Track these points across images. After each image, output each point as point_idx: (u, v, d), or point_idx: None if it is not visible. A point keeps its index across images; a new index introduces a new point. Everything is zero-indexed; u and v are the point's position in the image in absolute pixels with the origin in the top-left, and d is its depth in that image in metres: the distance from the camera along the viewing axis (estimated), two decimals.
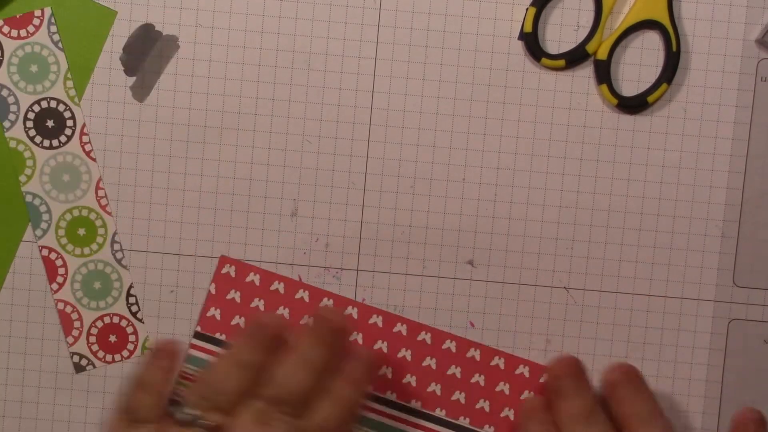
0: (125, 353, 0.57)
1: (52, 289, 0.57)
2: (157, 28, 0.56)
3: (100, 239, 0.57)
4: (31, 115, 0.56)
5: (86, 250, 0.57)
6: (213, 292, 0.57)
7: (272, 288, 0.57)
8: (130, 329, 0.57)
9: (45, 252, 0.57)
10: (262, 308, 0.57)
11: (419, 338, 0.56)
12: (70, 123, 0.56)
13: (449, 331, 0.57)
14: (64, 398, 0.57)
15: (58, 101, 0.56)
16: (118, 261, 0.57)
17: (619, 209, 0.57)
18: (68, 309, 0.57)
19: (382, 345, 0.57)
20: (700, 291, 0.57)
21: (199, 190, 0.57)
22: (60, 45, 0.56)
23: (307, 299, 0.57)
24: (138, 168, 0.56)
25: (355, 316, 0.57)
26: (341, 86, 0.56)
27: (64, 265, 0.57)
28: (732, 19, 0.56)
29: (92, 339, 0.57)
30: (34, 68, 0.56)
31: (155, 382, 0.54)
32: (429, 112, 0.56)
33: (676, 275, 0.57)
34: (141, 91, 0.56)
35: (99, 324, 0.57)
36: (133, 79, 0.56)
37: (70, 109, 0.56)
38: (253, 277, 0.57)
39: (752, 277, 0.57)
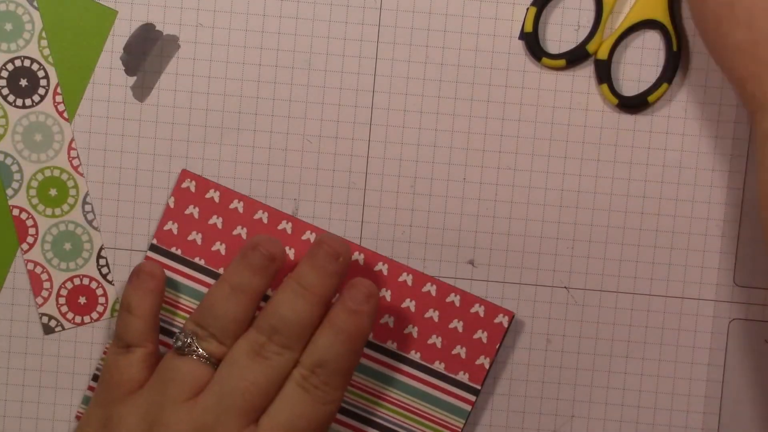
0: (95, 315, 0.57)
1: (22, 249, 0.56)
2: (157, 28, 0.56)
3: (71, 200, 0.56)
4: (4, 74, 0.56)
5: (57, 211, 0.56)
6: (171, 205, 0.56)
7: (231, 206, 0.56)
8: (99, 291, 0.57)
9: (16, 212, 0.56)
10: (219, 226, 0.56)
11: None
12: (43, 83, 0.56)
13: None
14: (65, 398, 0.57)
15: (32, 60, 0.56)
16: (89, 222, 0.56)
17: (620, 209, 0.57)
18: (38, 270, 0.57)
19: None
20: (701, 290, 0.57)
21: None
22: (35, 4, 0.55)
23: (265, 220, 0.56)
24: (139, 168, 0.56)
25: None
26: (342, 86, 0.56)
27: (35, 225, 0.56)
28: None
29: (62, 300, 0.57)
30: (8, 26, 0.55)
31: (140, 305, 0.53)
32: (429, 112, 0.56)
33: (677, 275, 0.57)
34: (141, 91, 0.56)
35: (69, 285, 0.57)
36: (134, 78, 0.56)
37: (44, 69, 0.56)
38: (213, 194, 0.56)
39: (753, 276, 0.57)
